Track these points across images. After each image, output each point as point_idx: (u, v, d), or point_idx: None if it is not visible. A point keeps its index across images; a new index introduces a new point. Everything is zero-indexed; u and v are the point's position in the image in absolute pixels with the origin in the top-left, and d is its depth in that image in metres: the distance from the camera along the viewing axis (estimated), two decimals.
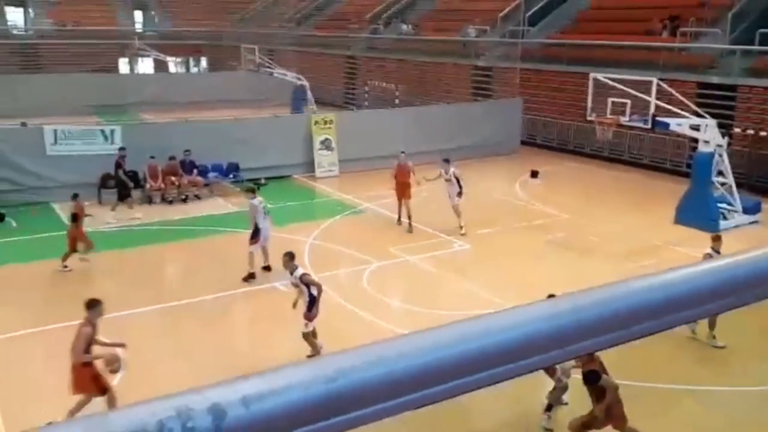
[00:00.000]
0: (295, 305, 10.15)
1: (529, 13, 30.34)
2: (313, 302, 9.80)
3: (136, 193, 18.49)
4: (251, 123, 22.34)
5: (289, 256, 10.05)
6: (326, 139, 22.44)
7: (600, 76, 17.67)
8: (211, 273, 13.46)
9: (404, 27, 37.59)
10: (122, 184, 17.17)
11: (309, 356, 9.52)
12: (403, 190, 16.22)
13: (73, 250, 13.66)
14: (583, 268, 13.56)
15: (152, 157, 18.30)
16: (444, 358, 0.96)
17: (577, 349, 1.03)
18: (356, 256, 14.47)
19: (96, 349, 8.36)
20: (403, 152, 16.85)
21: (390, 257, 14.47)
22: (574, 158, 25.22)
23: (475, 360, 0.96)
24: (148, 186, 18.49)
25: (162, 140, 19.09)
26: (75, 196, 14.15)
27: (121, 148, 17.72)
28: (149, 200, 18.54)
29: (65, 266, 13.55)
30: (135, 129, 20.83)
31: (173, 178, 18.59)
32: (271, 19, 50.92)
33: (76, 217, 13.78)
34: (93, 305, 8.44)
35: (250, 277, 12.97)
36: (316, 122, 22.59)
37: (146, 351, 10.06)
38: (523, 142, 26.82)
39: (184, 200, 18.80)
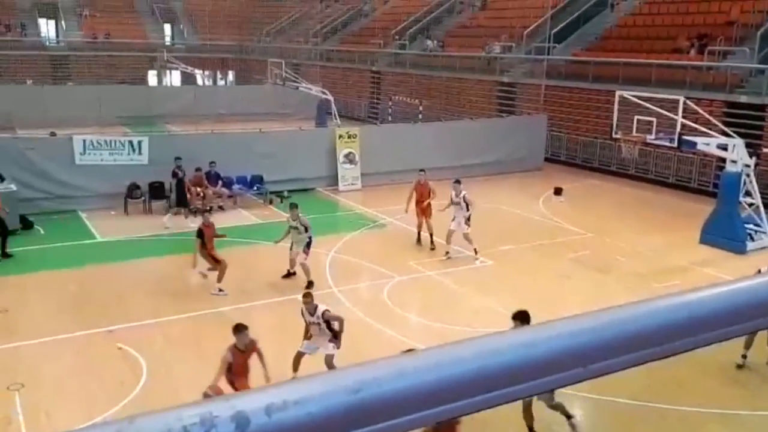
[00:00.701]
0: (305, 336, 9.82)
1: (555, 29, 30.32)
2: (336, 335, 9.55)
3: (160, 204, 18.74)
4: (276, 136, 22.54)
5: (308, 294, 9.78)
6: (350, 152, 22.55)
7: (626, 94, 17.57)
8: (234, 283, 13.54)
9: (429, 43, 37.76)
10: (180, 192, 17.70)
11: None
12: (423, 210, 15.97)
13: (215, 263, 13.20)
14: (607, 287, 13.42)
15: (177, 168, 18.50)
16: (465, 373, 0.96)
17: (599, 368, 1.03)
18: (377, 270, 14.47)
19: (220, 379, 8.09)
20: (422, 171, 16.50)
21: (411, 272, 14.45)
22: (599, 176, 25.04)
23: (497, 376, 0.96)
24: (173, 197, 18.69)
25: (188, 152, 19.32)
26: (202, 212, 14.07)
27: (177, 158, 18.07)
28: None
29: (220, 290, 13.03)
30: (162, 140, 21.11)
31: (198, 189, 18.79)
32: (297, 33, 51.50)
33: (201, 234, 13.16)
34: (237, 330, 8.31)
35: (309, 285, 13.03)
36: (340, 136, 22.72)
37: (169, 358, 10.15)
38: (547, 159, 26.71)
39: (209, 211, 18.95)
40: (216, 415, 0.83)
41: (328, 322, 9.54)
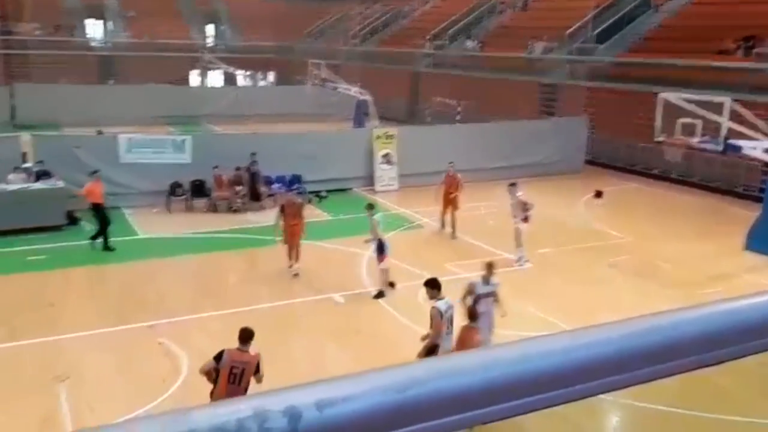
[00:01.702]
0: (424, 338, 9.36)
1: (597, 30, 29.91)
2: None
3: (201, 201, 19.06)
4: (315, 136, 22.71)
5: (435, 287, 9.31)
6: (387, 153, 22.60)
7: (670, 97, 17.24)
8: (271, 281, 13.71)
9: (469, 43, 37.60)
10: (253, 187, 18.68)
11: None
12: (450, 201, 16.64)
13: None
14: (648, 293, 13.20)
15: (215, 167, 18.81)
16: (510, 375, 0.97)
17: (636, 376, 1.03)
18: (412, 272, 14.45)
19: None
20: (451, 163, 17.23)
21: (447, 273, 14.38)
22: (640, 179, 24.63)
23: (541, 379, 0.97)
24: (214, 195, 19.00)
25: (230, 151, 19.62)
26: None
27: (253, 154, 18.95)
28: (215, 208, 19.04)
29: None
30: (204, 139, 21.47)
31: (238, 188, 19.05)
32: (337, 35, 51.77)
33: (283, 209, 14.06)
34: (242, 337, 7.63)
35: (390, 285, 13.00)
36: (378, 137, 22.78)
37: (209, 354, 10.30)
38: (587, 162, 26.36)
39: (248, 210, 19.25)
40: (268, 409, 0.85)
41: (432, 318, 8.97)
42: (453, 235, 16.56)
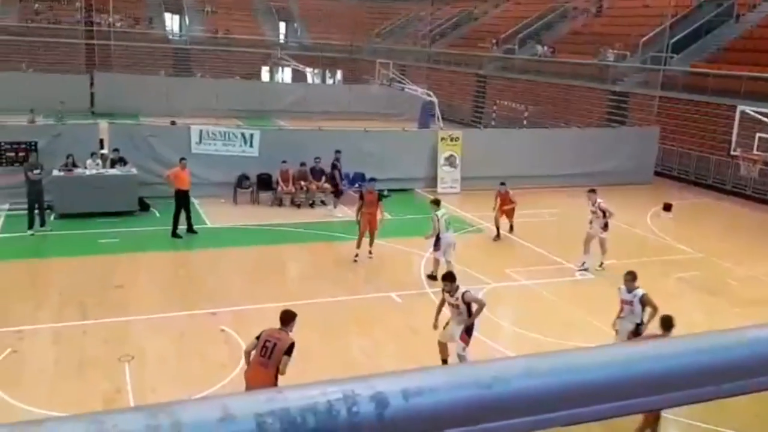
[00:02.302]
0: (443, 326, 9.97)
1: (674, 39, 29.04)
2: (473, 324, 9.67)
3: (266, 195, 19.44)
4: (380, 135, 22.82)
5: (450, 279, 9.96)
6: (451, 155, 22.52)
7: (749, 110, 16.62)
8: (330, 276, 13.87)
9: (540, 48, 37.09)
10: (335, 183, 19.24)
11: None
12: (506, 212, 17.02)
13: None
14: (717, 310, 12.76)
15: (284, 162, 19.13)
16: (594, 380, 0.97)
17: (733, 388, 1.01)
18: (471, 275, 14.35)
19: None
20: (503, 184, 17.23)
21: (506, 279, 14.28)
22: (712, 194, 23.78)
23: (627, 386, 0.96)
24: (279, 189, 19.33)
25: (296, 147, 19.93)
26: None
27: (337, 151, 19.52)
28: (279, 203, 19.37)
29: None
30: (272, 134, 21.86)
31: (303, 183, 19.34)
32: (406, 35, 51.90)
33: (362, 197, 15.11)
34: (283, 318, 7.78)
35: (430, 278, 13.78)
36: (443, 138, 22.73)
37: None
38: (657, 173, 25.64)
39: (311, 205, 19.51)
40: (358, 393, 0.88)
41: (468, 305, 9.66)
42: (511, 230, 17.11)
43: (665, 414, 7.51)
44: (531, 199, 20.83)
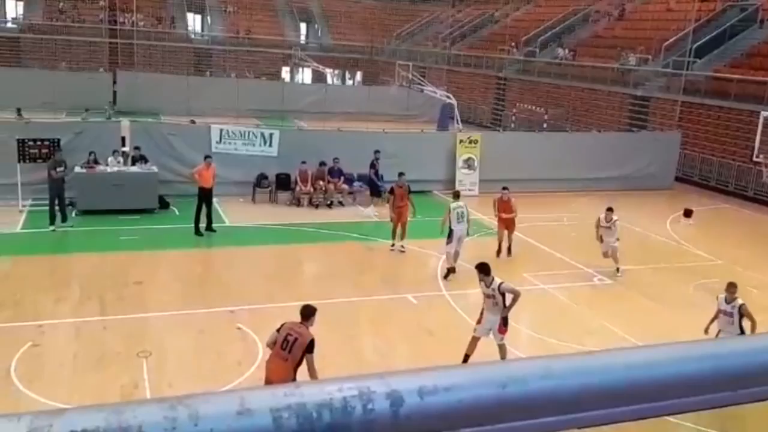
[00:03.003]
0: (477, 320, 10.15)
1: (697, 44, 28.74)
2: (507, 309, 9.96)
3: (285, 195, 19.52)
4: (399, 137, 22.83)
5: (485, 270, 10.06)
6: (469, 158, 22.47)
7: None
8: (348, 278, 13.89)
9: (561, 51, 36.90)
10: (373, 183, 19.56)
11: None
12: (507, 224, 15.77)
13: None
14: None
15: (303, 162, 19.19)
16: (611, 383, 0.96)
17: (750, 393, 1.00)
18: None
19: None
20: (505, 189, 15.97)
21: (524, 284, 14.16)
22: (734, 200, 23.51)
23: (644, 389, 0.96)
24: (297, 189, 19.40)
25: (315, 147, 19.99)
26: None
27: (376, 151, 19.74)
28: (298, 202, 19.44)
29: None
30: (291, 135, 21.96)
31: (321, 183, 19.40)
32: (426, 37, 51.87)
33: (392, 191, 15.89)
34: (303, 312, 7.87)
35: (450, 272, 14.00)
36: (461, 141, 22.68)
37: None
38: (678, 179, 25.39)
39: (329, 205, 19.57)
40: (373, 390, 0.89)
41: (503, 295, 9.82)
42: (509, 253, 15.84)
43: (684, 421, 7.43)
44: (550, 203, 20.73)
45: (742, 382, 1.00)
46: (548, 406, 0.94)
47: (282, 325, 7.71)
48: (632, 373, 0.96)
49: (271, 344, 7.67)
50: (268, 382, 7.36)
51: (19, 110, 27.40)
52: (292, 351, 7.40)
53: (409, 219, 15.63)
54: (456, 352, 10.11)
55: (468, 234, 14.66)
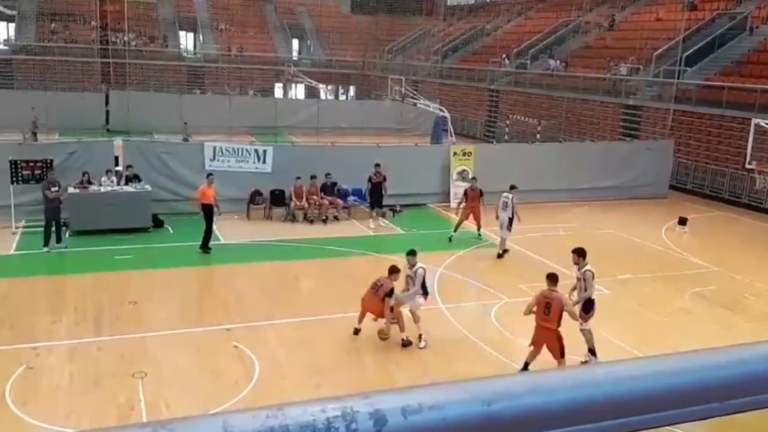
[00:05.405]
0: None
1: (687, 53, 28.94)
2: (591, 303, 10.92)
3: (279, 211, 19.49)
4: (393, 151, 22.84)
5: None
6: (464, 170, 22.50)
7: (763, 123, 16.51)
8: (344, 292, 13.84)
9: (552, 62, 37.12)
10: (374, 195, 19.63)
11: (583, 363, 9.98)
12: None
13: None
14: (733, 325, 12.60)
15: (298, 178, 19.19)
16: (597, 396, 0.96)
17: (736, 404, 1.00)
18: (485, 290, 14.33)
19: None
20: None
21: (521, 295, 14.15)
22: (728, 207, 23.58)
23: (630, 402, 0.95)
24: (292, 205, 19.38)
25: (309, 162, 20.00)
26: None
27: (377, 165, 19.62)
28: (293, 218, 19.41)
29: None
30: (285, 150, 21.96)
31: (315, 197, 19.38)
32: (418, 51, 52.13)
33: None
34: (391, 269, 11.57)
35: (500, 257, 16.18)
36: (455, 153, 22.73)
37: (281, 360, 10.51)
38: (672, 187, 25.48)
39: (324, 221, 19.54)
40: (356, 411, 0.88)
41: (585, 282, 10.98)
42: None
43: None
44: (545, 214, 20.77)
45: (729, 393, 0.99)
46: (535, 422, 0.93)
47: (392, 268, 11.51)
48: (619, 387, 0.96)
49: (372, 286, 11.40)
50: (364, 311, 11.50)
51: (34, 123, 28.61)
52: (379, 291, 11.27)
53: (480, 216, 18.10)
54: (454, 363, 10.09)
55: (510, 227, 16.56)
